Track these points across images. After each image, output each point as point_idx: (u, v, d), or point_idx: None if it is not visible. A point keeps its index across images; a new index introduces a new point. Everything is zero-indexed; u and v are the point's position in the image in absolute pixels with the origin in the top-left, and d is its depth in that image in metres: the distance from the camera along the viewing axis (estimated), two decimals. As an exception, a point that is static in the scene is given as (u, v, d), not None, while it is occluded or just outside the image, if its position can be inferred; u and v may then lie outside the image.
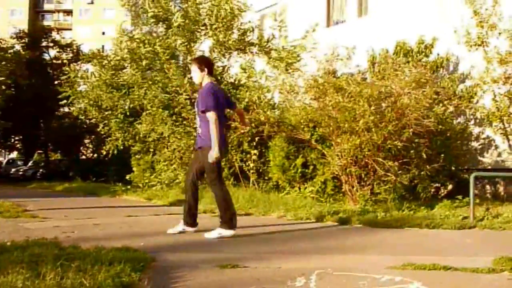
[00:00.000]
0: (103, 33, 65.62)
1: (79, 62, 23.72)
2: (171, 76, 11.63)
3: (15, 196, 12.45)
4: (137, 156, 14.31)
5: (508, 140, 10.05)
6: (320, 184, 8.88)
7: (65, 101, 14.53)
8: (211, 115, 5.49)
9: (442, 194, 9.40)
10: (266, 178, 10.30)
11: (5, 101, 25.09)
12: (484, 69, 9.44)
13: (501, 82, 9.32)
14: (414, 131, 8.23)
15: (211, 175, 5.66)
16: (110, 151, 13.90)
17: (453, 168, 9.40)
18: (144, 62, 12.29)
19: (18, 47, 30.46)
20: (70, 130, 27.26)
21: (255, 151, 10.17)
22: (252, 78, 12.00)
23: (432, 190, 8.91)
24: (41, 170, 31.86)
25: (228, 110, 6.25)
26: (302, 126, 9.28)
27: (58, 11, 78.82)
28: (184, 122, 11.44)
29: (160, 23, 12.92)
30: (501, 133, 9.89)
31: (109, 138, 13.81)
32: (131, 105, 12.80)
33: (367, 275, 3.63)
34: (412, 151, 8.47)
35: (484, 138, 10.71)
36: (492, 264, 3.90)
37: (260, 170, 10.43)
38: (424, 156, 8.40)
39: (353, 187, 8.39)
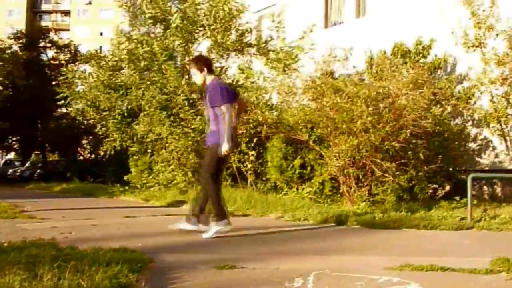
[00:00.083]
0: (101, 34, 65.51)
1: (77, 63, 23.59)
2: (169, 77, 11.62)
3: (13, 197, 12.40)
4: (134, 157, 14.27)
5: (506, 141, 10.08)
6: (318, 185, 8.88)
7: (62, 101, 14.52)
8: (225, 108, 5.56)
9: (440, 195, 9.41)
10: (264, 179, 10.29)
11: (3, 101, 25.08)
12: (482, 70, 9.44)
13: (498, 83, 9.33)
14: (411, 132, 8.23)
15: (206, 174, 5.71)
16: (108, 152, 13.90)
17: (450, 169, 9.40)
18: (142, 63, 12.29)
19: (15, 47, 30.35)
20: (67, 130, 27.17)
21: (253, 152, 10.16)
22: (250, 79, 12.01)
23: (430, 191, 8.92)
24: (38, 170, 31.78)
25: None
26: (300, 127, 9.27)
27: (56, 11, 78.71)
28: (182, 123, 11.43)
29: (158, 24, 12.92)
30: (499, 134, 9.91)
31: (107, 139, 13.78)
32: (129, 106, 12.78)
33: (364, 276, 3.64)
34: (409, 152, 8.47)
35: (481, 139, 10.71)
36: (489, 265, 3.90)
37: (258, 171, 10.41)
38: (422, 157, 8.41)
39: (350, 188, 8.39)
